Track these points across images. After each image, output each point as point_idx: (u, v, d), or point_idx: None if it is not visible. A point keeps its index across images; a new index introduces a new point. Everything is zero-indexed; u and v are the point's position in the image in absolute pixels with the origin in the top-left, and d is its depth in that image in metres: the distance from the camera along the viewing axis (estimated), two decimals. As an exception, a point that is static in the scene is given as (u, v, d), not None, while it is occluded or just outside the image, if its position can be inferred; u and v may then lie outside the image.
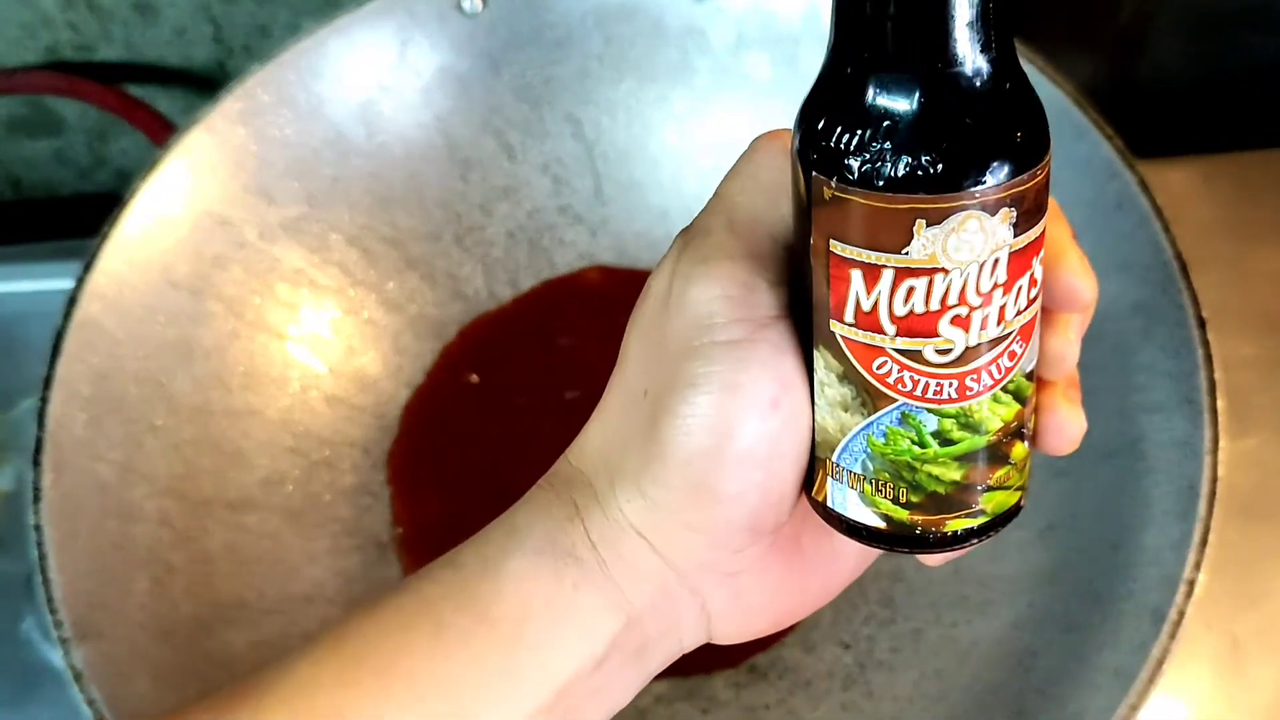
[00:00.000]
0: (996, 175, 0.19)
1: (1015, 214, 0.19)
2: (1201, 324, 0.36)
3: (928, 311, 0.19)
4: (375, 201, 0.47)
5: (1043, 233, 0.21)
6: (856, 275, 0.19)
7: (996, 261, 0.19)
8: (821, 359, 0.21)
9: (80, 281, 0.40)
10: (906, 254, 0.19)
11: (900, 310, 0.19)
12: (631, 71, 0.47)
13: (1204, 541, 0.34)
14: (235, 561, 0.41)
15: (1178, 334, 0.37)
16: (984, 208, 0.19)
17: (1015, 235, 0.19)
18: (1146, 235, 0.38)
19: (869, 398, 0.20)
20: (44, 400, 0.38)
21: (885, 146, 0.19)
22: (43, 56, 0.61)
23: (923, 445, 0.20)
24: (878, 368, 0.20)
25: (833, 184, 0.19)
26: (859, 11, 0.19)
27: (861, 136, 0.19)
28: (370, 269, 0.47)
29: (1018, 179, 0.19)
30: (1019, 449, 0.21)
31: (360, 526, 0.44)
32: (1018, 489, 0.22)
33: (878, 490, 0.21)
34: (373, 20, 0.45)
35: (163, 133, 0.57)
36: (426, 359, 0.47)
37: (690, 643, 0.25)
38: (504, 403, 0.46)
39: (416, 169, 0.47)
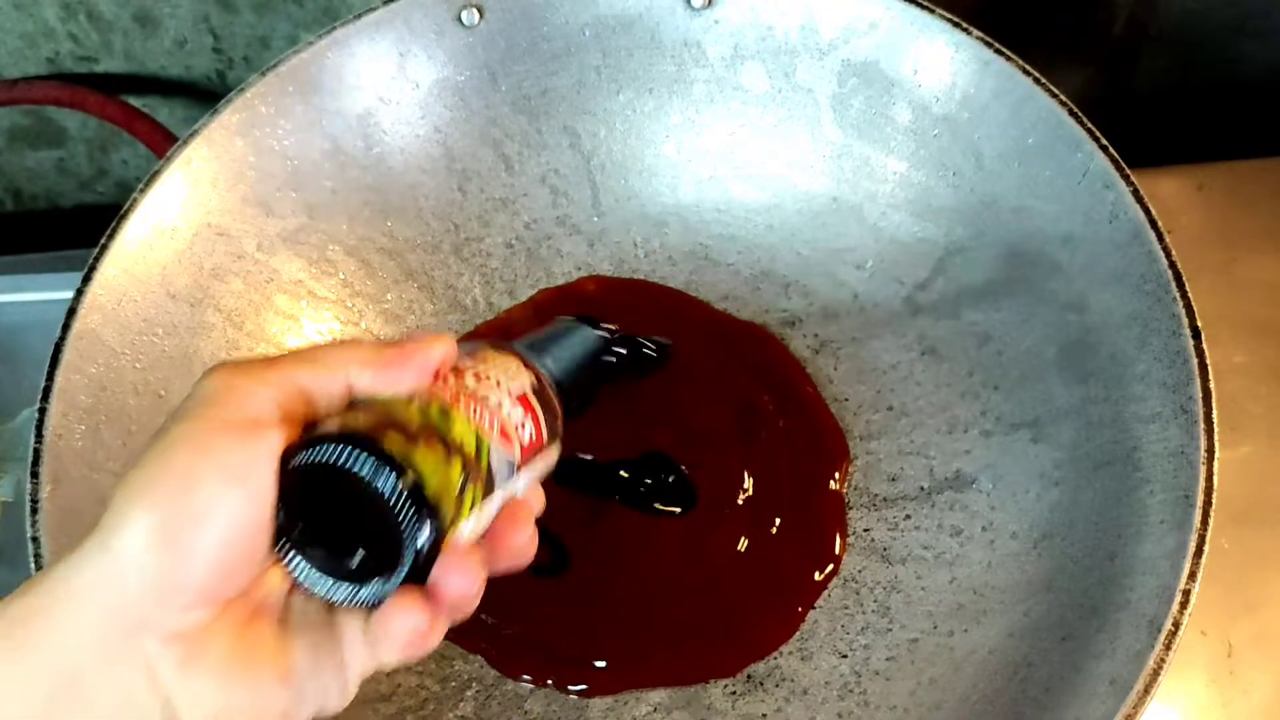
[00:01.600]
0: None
1: None
2: (1196, 334, 0.37)
3: None
4: (374, 213, 0.47)
5: None
6: None
7: None
8: None
9: (79, 292, 0.40)
10: None
11: None
12: (629, 83, 0.48)
13: (1199, 551, 0.34)
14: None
15: (1173, 344, 0.37)
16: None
17: None
18: (1141, 245, 0.38)
19: None
20: (42, 411, 0.38)
21: None
22: (44, 67, 0.61)
23: None
24: None
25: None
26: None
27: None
28: (369, 280, 0.47)
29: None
30: None
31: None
32: None
33: None
34: (371, 32, 0.45)
35: (164, 143, 0.57)
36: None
37: None
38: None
39: (415, 180, 0.48)
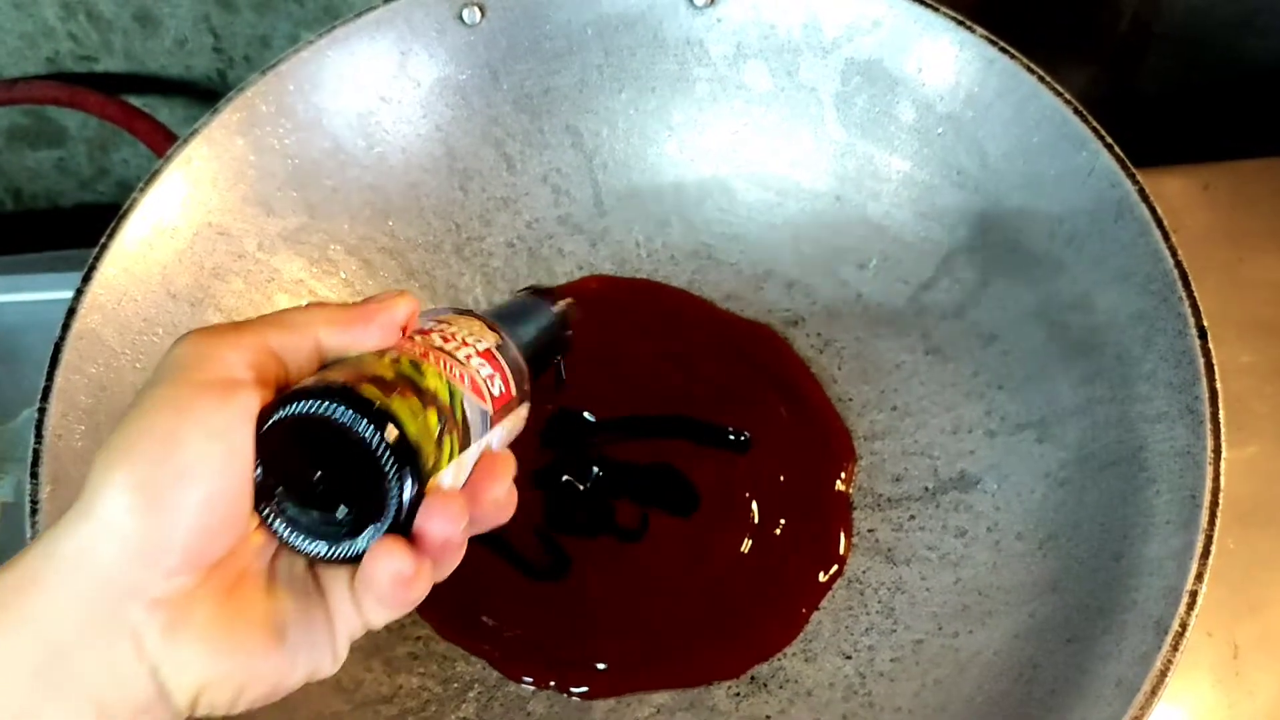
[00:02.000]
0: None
1: None
2: (1203, 333, 0.36)
3: None
4: (375, 212, 0.47)
5: None
6: None
7: None
8: None
9: (79, 292, 0.40)
10: None
11: None
12: (631, 82, 0.48)
13: (1206, 552, 0.34)
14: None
15: (1179, 343, 0.37)
16: None
17: None
18: (1147, 244, 0.38)
19: None
20: (42, 411, 0.38)
21: None
22: (44, 67, 0.61)
23: None
24: None
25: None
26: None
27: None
28: (370, 279, 0.47)
29: None
30: None
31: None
32: None
33: None
34: (372, 31, 0.45)
35: (164, 143, 0.57)
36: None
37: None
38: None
39: (416, 179, 0.47)
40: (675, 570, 0.42)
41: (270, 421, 0.24)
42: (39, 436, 0.37)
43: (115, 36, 0.60)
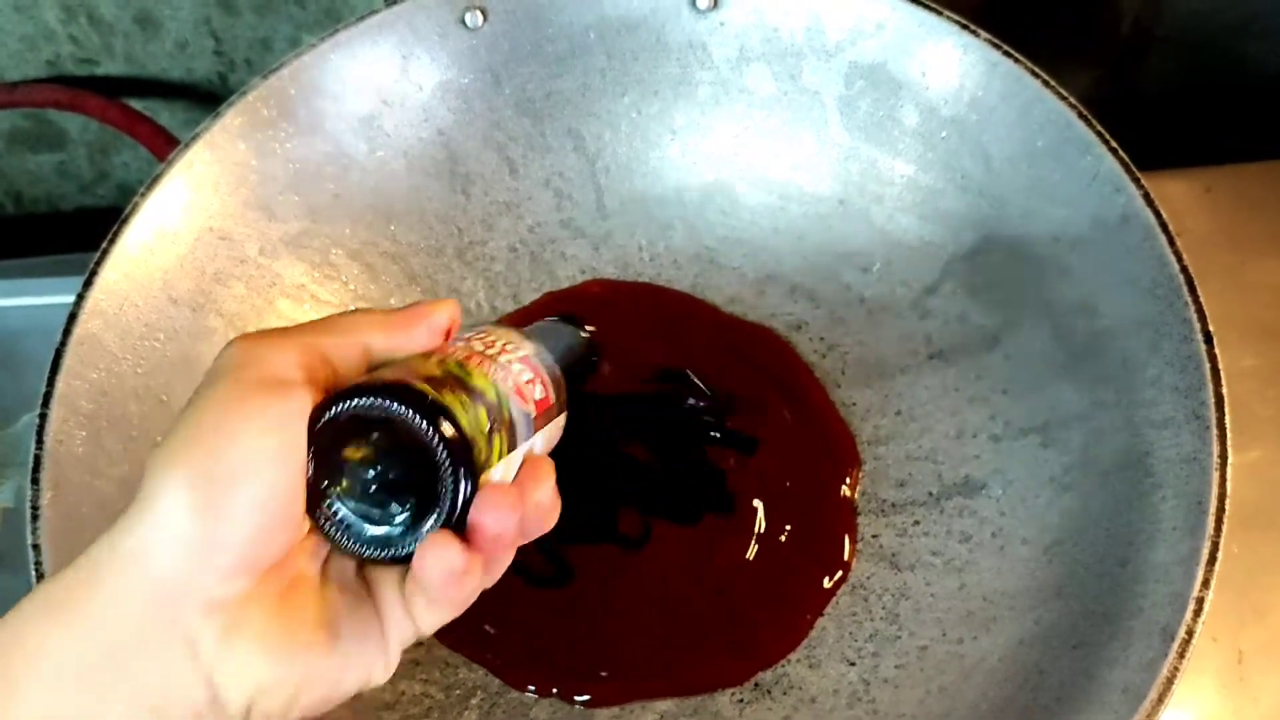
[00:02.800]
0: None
1: None
2: (1208, 338, 0.36)
3: None
4: (377, 216, 0.47)
5: None
6: None
7: None
8: None
9: (80, 297, 0.39)
10: None
11: None
12: (633, 85, 0.47)
13: (1213, 559, 0.33)
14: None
15: (1184, 348, 0.37)
16: None
17: None
18: (1152, 249, 0.38)
19: None
20: (43, 416, 0.38)
21: None
22: (45, 70, 0.61)
23: None
24: None
25: None
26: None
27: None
28: (372, 284, 0.47)
29: None
30: None
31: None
32: None
33: None
34: (374, 34, 0.45)
35: (165, 147, 0.57)
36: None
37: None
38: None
39: (418, 183, 0.47)
40: (680, 577, 0.42)
41: (324, 418, 0.24)
42: (40, 442, 0.37)
43: (116, 39, 0.59)
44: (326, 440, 0.24)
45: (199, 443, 0.23)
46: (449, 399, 0.24)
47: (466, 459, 0.24)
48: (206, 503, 0.22)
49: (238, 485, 0.23)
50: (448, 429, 0.23)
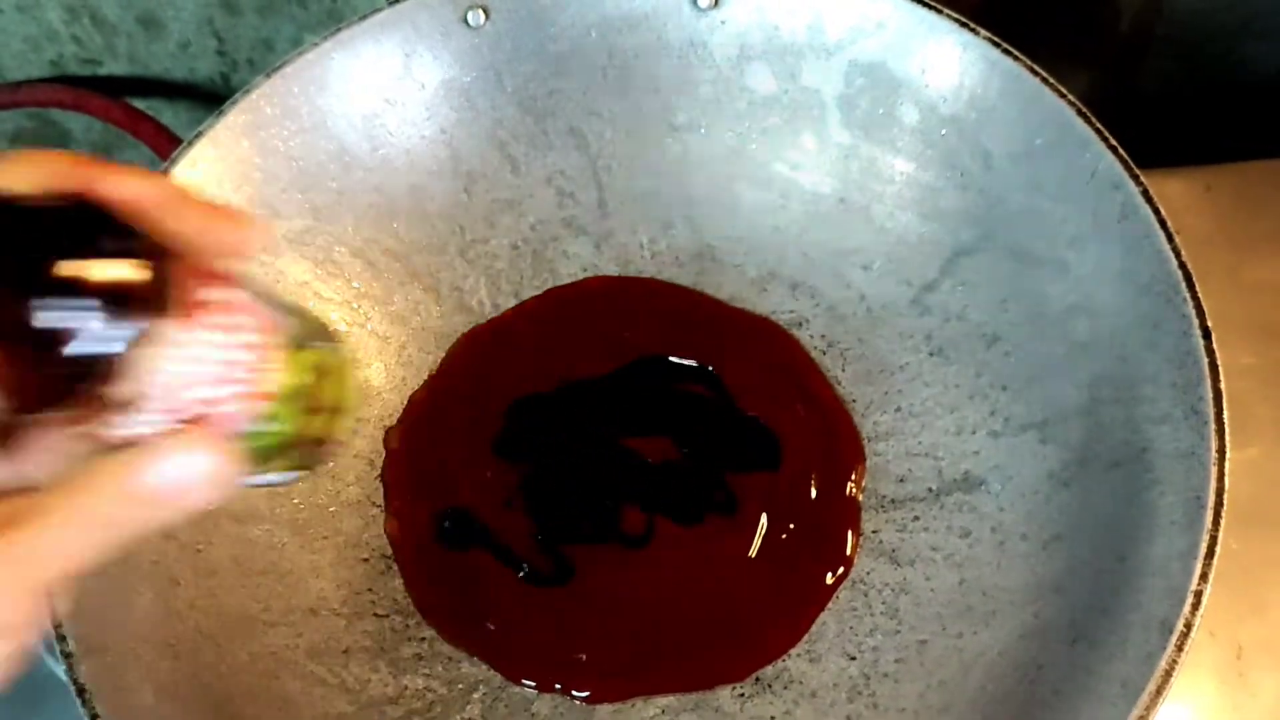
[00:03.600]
0: None
1: None
2: (1207, 335, 0.36)
3: None
4: (380, 214, 0.47)
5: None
6: None
7: None
8: None
9: (85, 295, 0.40)
10: None
11: None
12: (635, 84, 0.48)
13: (1210, 553, 0.34)
14: (240, 574, 0.41)
15: (1183, 345, 0.37)
16: None
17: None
18: (1151, 246, 0.38)
19: None
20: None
21: None
22: (48, 70, 0.61)
23: None
24: None
25: None
26: None
27: None
28: (375, 281, 0.47)
29: None
30: None
31: (365, 538, 0.44)
32: None
33: None
34: (376, 33, 0.45)
35: (168, 146, 0.57)
36: (430, 371, 0.47)
37: None
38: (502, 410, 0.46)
39: (420, 181, 0.47)
40: (682, 574, 0.42)
41: None
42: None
43: (119, 39, 0.60)
44: None
45: None
46: None
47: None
48: None
49: None
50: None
